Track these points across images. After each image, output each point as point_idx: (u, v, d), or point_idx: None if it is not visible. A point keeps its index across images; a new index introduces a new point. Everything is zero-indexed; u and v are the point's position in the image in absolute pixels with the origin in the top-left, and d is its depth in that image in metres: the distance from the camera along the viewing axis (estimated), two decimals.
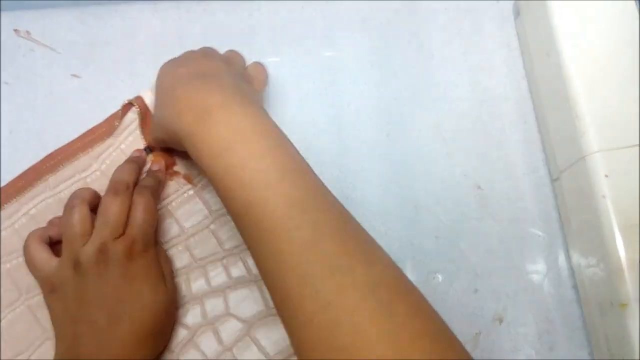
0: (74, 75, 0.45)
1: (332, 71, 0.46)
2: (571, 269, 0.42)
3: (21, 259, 0.38)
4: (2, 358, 0.37)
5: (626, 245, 0.36)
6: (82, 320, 0.33)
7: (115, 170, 0.39)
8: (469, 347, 0.40)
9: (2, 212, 0.40)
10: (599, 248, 0.37)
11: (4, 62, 0.45)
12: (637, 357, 0.34)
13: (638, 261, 0.35)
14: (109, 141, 0.42)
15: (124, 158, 0.41)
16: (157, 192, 0.40)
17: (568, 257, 0.42)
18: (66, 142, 0.43)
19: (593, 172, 0.37)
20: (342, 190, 0.43)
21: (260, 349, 0.38)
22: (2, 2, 0.46)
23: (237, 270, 0.40)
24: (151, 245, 0.37)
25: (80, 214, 0.35)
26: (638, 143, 0.37)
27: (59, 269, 0.35)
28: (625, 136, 0.38)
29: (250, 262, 0.40)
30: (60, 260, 0.35)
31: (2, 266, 0.39)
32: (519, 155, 0.45)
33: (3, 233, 0.39)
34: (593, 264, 0.38)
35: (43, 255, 0.36)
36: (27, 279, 0.38)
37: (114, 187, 0.37)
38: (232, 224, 0.36)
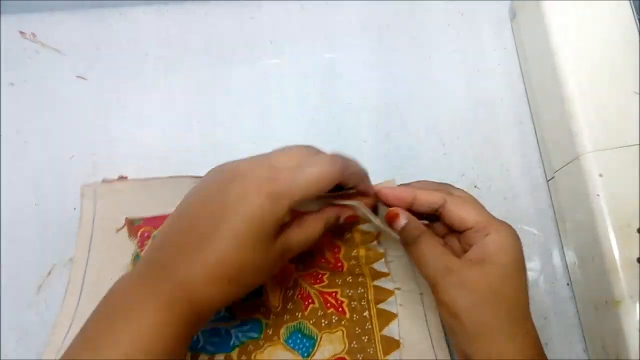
0: (79, 77, 0.46)
1: (332, 72, 0.47)
2: (566, 267, 0.42)
3: None
4: None
5: (620, 243, 0.36)
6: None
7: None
8: None
9: None
10: (593, 246, 0.38)
11: (10, 63, 0.46)
12: (632, 354, 0.35)
13: (631, 259, 0.36)
14: None
15: None
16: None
17: (563, 255, 0.43)
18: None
19: (587, 171, 0.38)
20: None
21: None
22: (7, 4, 0.47)
23: None
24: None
25: None
26: (632, 143, 0.38)
27: None
28: (619, 136, 0.38)
29: None
30: None
31: None
32: (514, 155, 0.45)
33: None
34: (587, 262, 0.39)
35: None
36: None
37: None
38: None
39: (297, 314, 0.38)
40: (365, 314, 0.38)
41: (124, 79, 0.46)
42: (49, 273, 0.41)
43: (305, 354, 0.37)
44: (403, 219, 0.33)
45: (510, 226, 0.32)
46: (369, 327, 0.38)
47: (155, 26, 0.48)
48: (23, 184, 0.43)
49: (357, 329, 0.38)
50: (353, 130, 0.46)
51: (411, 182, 0.37)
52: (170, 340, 0.27)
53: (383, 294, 0.38)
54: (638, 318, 0.35)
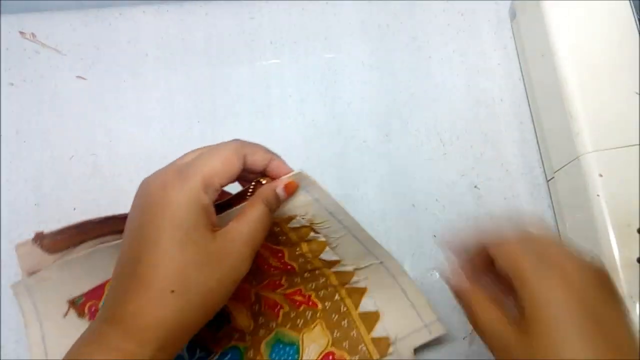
0: (79, 77, 0.46)
1: (332, 72, 0.47)
2: None
3: None
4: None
5: (620, 244, 0.36)
6: None
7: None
8: (464, 344, 0.41)
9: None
10: (593, 247, 0.38)
11: (9, 63, 0.46)
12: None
13: (631, 259, 0.36)
14: None
15: None
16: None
17: None
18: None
19: (587, 171, 0.38)
20: (342, 189, 0.44)
21: None
22: (7, 4, 0.47)
23: None
24: None
25: None
26: (632, 143, 0.38)
27: None
28: (619, 136, 0.38)
29: None
30: None
31: None
32: (514, 155, 0.45)
33: None
34: None
35: None
36: None
37: None
38: None
39: (271, 324, 0.37)
40: (336, 297, 0.37)
41: (124, 79, 0.46)
42: None
43: None
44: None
45: (576, 261, 0.25)
46: (344, 309, 0.37)
47: (155, 26, 0.48)
48: (23, 184, 0.43)
49: (333, 315, 0.37)
50: (353, 130, 0.46)
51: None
52: None
53: (345, 277, 0.37)
54: (639, 318, 0.35)
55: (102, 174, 0.44)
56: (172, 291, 0.26)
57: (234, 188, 0.32)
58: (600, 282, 0.24)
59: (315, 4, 0.49)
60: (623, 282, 0.36)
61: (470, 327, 0.41)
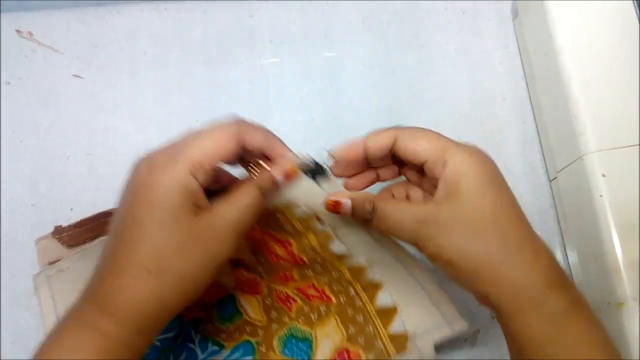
0: (76, 76, 0.46)
1: (332, 71, 0.47)
2: (568, 268, 0.42)
3: None
4: None
5: (623, 244, 0.36)
6: None
7: None
8: (467, 344, 0.40)
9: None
10: (596, 247, 0.37)
11: (6, 62, 0.46)
12: (635, 355, 0.34)
13: (635, 260, 0.35)
14: None
15: None
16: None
17: (565, 256, 0.42)
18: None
19: (590, 171, 0.38)
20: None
21: None
22: (4, 3, 0.46)
23: None
24: None
25: None
26: (635, 143, 0.38)
27: None
28: (622, 136, 0.38)
29: None
30: None
31: None
32: (517, 154, 0.45)
33: None
34: (590, 262, 0.39)
35: None
36: None
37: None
38: None
39: (283, 319, 0.36)
40: (351, 292, 0.36)
41: (121, 77, 0.46)
42: None
43: (306, 358, 0.35)
44: (345, 200, 0.31)
45: (471, 146, 0.30)
46: (360, 304, 0.36)
47: (153, 24, 0.47)
48: (20, 184, 0.43)
49: (348, 310, 0.36)
50: (353, 130, 0.45)
51: None
52: None
53: (359, 271, 0.36)
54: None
55: (99, 174, 0.43)
56: (149, 271, 0.26)
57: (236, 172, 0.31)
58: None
59: (315, 2, 0.48)
60: (626, 283, 0.35)
61: (471, 328, 0.41)
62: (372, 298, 0.35)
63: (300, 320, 0.36)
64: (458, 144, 0.30)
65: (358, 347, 0.35)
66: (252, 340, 0.36)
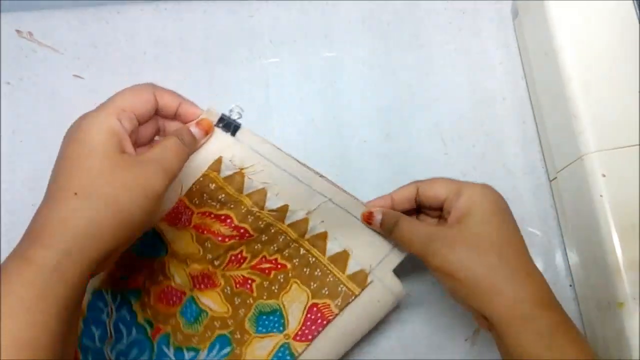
0: (76, 76, 0.46)
1: (332, 71, 0.47)
2: (568, 268, 0.42)
3: None
4: None
5: (623, 244, 0.36)
6: None
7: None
8: (466, 345, 0.40)
9: None
10: (596, 247, 0.37)
11: (6, 62, 0.46)
12: (635, 356, 0.34)
13: (635, 260, 0.35)
14: None
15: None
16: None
17: (565, 256, 0.42)
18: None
19: (590, 171, 0.38)
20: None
21: None
22: (4, 3, 0.46)
23: None
24: None
25: None
26: (635, 143, 0.38)
27: None
28: (622, 136, 0.38)
29: None
30: None
31: None
32: (517, 155, 0.45)
33: None
34: (590, 263, 0.39)
35: None
36: None
37: None
38: None
39: (248, 301, 0.37)
40: (301, 252, 0.38)
41: (122, 78, 0.45)
42: None
43: (281, 328, 0.37)
44: (378, 215, 0.36)
45: (484, 184, 0.34)
46: (313, 260, 0.37)
47: (154, 25, 0.47)
48: (20, 184, 0.43)
49: (305, 269, 0.37)
50: (353, 130, 0.45)
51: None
52: (51, 298, 0.25)
53: (300, 226, 0.37)
54: None
55: None
56: (75, 193, 0.28)
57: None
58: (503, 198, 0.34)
59: (315, 2, 0.48)
60: (626, 283, 0.35)
61: (472, 328, 0.41)
62: (322, 250, 0.37)
63: (264, 296, 0.37)
64: (472, 183, 0.34)
65: (325, 298, 0.37)
66: (225, 332, 0.37)
